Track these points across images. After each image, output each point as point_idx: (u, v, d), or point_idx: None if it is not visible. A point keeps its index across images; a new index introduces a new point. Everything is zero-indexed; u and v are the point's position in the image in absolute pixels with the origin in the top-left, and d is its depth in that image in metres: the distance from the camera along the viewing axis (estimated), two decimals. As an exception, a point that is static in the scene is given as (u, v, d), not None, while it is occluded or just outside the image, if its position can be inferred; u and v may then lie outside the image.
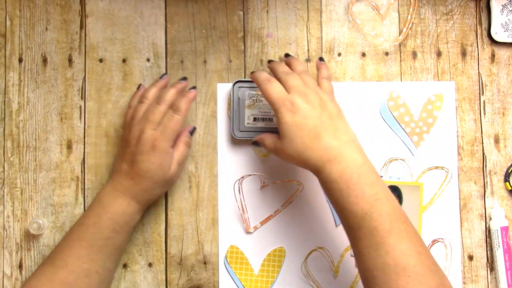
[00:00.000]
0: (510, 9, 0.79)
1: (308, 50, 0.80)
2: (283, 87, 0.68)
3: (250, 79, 0.77)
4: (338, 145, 0.65)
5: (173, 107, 0.72)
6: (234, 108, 0.77)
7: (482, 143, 0.79)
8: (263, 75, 0.70)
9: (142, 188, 0.72)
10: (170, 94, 0.73)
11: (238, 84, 0.77)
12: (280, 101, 0.67)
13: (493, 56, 0.80)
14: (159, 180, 0.72)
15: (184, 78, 0.76)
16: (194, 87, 0.75)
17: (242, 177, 0.78)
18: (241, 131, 0.77)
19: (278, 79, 0.70)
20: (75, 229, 0.71)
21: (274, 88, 0.68)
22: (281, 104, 0.67)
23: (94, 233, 0.70)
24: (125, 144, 0.72)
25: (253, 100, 0.77)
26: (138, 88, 0.77)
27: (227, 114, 0.78)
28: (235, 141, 0.78)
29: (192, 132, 0.76)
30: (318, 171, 0.65)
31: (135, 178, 0.71)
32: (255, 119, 0.77)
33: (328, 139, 0.65)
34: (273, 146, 0.70)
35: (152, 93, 0.74)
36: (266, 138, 0.72)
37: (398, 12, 0.80)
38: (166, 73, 0.77)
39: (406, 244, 0.61)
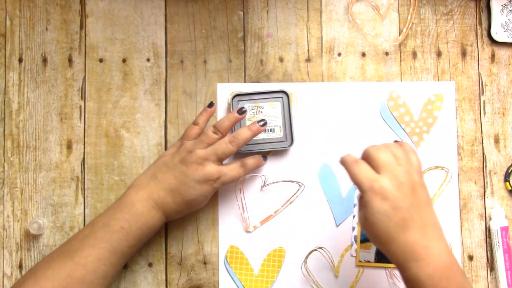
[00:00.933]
0: (510, 9, 0.79)
1: (308, 50, 0.80)
2: (373, 163, 0.62)
3: (248, 92, 0.77)
4: (426, 244, 0.60)
5: (243, 161, 0.73)
6: None
7: (482, 143, 0.79)
8: (351, 157, 0.64)
9: (179, 209, 0.72)
10: (245, 138, 0.72)
11: (236, 98, 0.77)
12: (367, 182, 0.60)
13: (493, 56, 0.80)
14: (195, 208, 0.73)
15: (262, 121, 0.73)
16: (265, 158, 0.76)
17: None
18: None
19: (367, 153, 0.63)
20: (100, 229, 0.69)
21: (361, 169, 0.61)
22: (369, 186, 0.60)
23: (121, 239, 0.69)
24: (181, 161, 0.71)
25: (253, 112, 0.77)
26: (210, 106, 0.75)
27: (227, 114, 0.78)
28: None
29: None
30: (401, 267, 0.61)
31: (176, 198, 0.71)
32: None
33: (416, 235, 0.60)
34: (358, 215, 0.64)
35: (226, 127, 0.72)
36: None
37: (398, 12, 0.80)
38: (244, 107, 0.73)
39: None
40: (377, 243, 0.62)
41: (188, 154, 0.71)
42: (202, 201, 0.73)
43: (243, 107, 0.73)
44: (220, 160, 0.72)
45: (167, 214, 0.72)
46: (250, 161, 0.74)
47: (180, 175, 0.71)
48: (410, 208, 0.60)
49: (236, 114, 0.73)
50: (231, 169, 0.73)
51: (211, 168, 0.71)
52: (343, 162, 0.64)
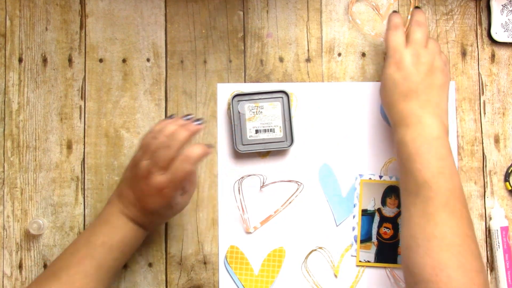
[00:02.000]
0: (510, 9, 0.79)
1: (308, 50, 0.80)
2: (408, 35, 0.71)
3: (248, 92, 0.77)
4: (422, 114, 0.67)
5: (186, 153, 0.65)
6: (235, 122, 0.77)
7: (482, 143, 0.79)
8: (396, 19, 0.72)
9: (151, 220, 0.70)
10: (183, 137, 0.66)
11: (236, 98, 0.77)
12: (392, 50, 0.70)
13: (493, 56, 0.80)
14: (168, 215, 0.71)
15: (200, 120, 0.69)
16: (211, 145, 0.71)
17: (242, 177, 0.78)
18: (243, 145, 0.77)
19: (411, 23, 0.72)
20: (83, 246, 0.68)
21: (395, 37, 0.70)
22: (392, 54, 0.70)
23: (104, 253, 0.68)
24: (134, 176, 0.68)
25: (253, 112, 0.77)
26: (171, 116, 0.70)
27: (227, 114, 0.78)
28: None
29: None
30: (394, 129, 0.69)
31: (143, 211, 0.68)
32: (257, 132, 0.77)
33: (415, 105, 0.67)
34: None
35: (169, 131, 0.67)
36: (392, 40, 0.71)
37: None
38: (190, 114, 0.70)
39: (456, 223, 0.63)
40: (383, 104, 0.72)
41: (138, 169, 0.67)
42: (169, 209, 0.69)
43: (189, 115, 0.69)
44: (163, 168, 0.65)
45: (146, 226, 0.70)
46: (193, 151, 0.66)
47: (137, 191, 0.68)
48: (419, 84, 0.68)
49: (187, 120, 0.69)
50: (176, 169, 0.65)
51: (157, 179, 0.65)
52: (389, 20, 0.73)
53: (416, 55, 0.69)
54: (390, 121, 0.71)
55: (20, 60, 0.79)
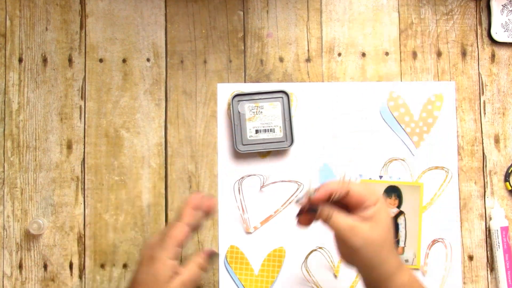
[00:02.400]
0: (510, 9, 0.79)
1: (308, 50, 0.80)
2: (359, 202, 0.60)
3: (248, 92, 0.77)
4: (397, 257, 0.61)
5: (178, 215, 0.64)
6: (235, 122, 0.77)
7: (482, 143, 0.79)
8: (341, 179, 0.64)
9: None
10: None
11: (236, 98, 0.77)
12: (376, 195, 0.60)
13: (493, 56, 0.80)
14: None
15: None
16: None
17: (242, 177, 0.78)
18: (244, 145, 0.77)
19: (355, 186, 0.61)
20: None
21: (363, 185, 0.61)
22: (381, 198, 0.60)
23: None
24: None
25: (253, 112, 0.77)
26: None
27: (227, 114, 0.78)
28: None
29: (212, 256, 0.64)
30: (390, 276, 0.60)
31: None
32: (257, 132, 0.77)
33: (393, 253, 0.61)
34: (345, 226, 0.60)
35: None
36: (336, 215, 0.62)
37: (398, 12, 0.80)
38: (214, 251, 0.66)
39: None
40: (362, 267, 0.61)
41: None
42: (154, 284, 0.60)
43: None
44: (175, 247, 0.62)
45: None
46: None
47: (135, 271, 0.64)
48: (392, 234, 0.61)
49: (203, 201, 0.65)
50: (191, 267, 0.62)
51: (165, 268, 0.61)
52: (337, 183, 0.61)
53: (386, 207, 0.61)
54: (379, 274, 0.60)
55: (20, 60, 0.79)
